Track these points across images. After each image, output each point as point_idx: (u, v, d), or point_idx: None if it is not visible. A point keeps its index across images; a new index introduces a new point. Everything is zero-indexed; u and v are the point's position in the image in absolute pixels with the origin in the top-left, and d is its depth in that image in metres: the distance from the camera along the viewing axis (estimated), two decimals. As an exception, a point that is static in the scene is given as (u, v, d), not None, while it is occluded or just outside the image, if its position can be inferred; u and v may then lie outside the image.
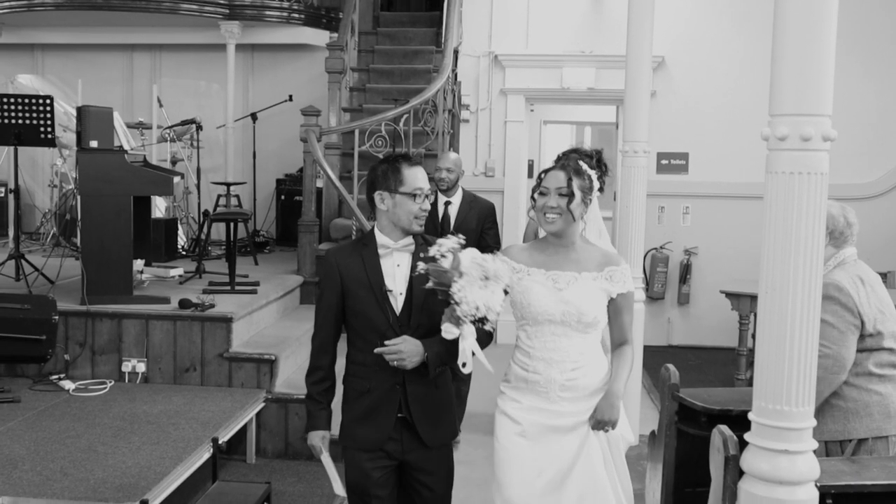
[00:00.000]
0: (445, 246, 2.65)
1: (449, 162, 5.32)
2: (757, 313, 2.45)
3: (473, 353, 2.69)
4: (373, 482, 2.79)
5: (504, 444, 2.84)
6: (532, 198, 2.89)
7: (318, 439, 2.83)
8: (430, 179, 3.37)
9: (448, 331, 2.62)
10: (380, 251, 2.80)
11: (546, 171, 2.87)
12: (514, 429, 2.83)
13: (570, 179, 2.79)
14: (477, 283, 2.60)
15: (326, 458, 2.77)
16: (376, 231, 2.85)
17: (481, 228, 5.22)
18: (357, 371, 2.83)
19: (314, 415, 2.85)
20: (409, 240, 2.83)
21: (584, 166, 2.84)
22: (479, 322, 2.63)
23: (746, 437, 2.45)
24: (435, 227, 5.10)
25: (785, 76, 2.31)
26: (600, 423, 2.74)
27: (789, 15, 2.29)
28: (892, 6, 8.11)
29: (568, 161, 2.84)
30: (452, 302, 2.59)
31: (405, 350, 2.68)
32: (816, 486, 2.39)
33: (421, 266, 2.65)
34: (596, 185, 2.86)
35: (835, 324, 2.96)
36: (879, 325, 3.03)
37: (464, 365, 2.67)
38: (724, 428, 2.58)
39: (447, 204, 5.31)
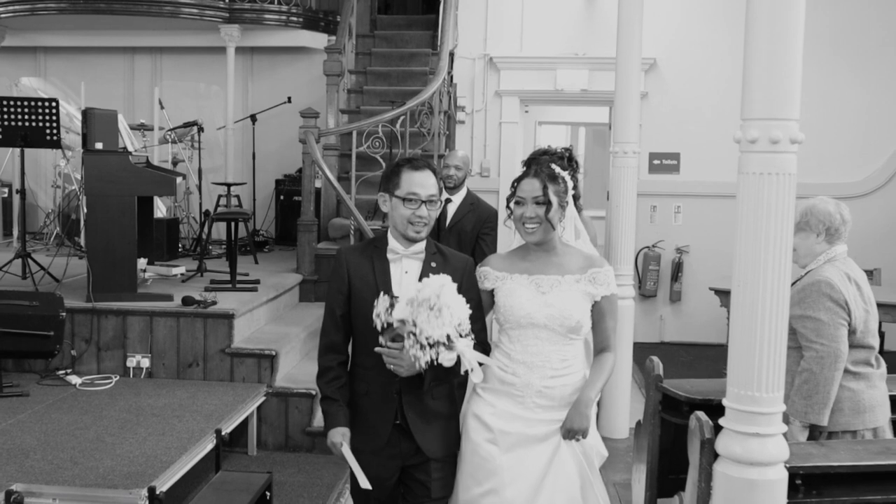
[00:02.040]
0: (380, 310, 2.59)
1: (457, 160, 5.29)
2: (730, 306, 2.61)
3: (480, 363, 2.65)
4: (374, 486, 2.74)
5: (475, 450, 2.77)
6: (508, 207, 2.81)
7: (339, 436, 2.74)
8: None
9: (445, 358, 2.55)
10: (389, 256, 2.75)
11: (519, 180, 2.80)
12: (485, 435, 2.76)
13: (545, 187, 2.71)
14: (431, 318, 2.51)
15: (348, 454, 2.71)
16: (389, 235, 2.79)
17: (478, 232, 5.15)
18: (357, 372, 2.81)
19: (331, 413, 2.78)
20: (420, 247, 2.76)
21: (557, 169, 2.77)
22: (462, 336, 2.57)
23: (721, 421, 2.61)
24: (432, 223, 5.16)
25: (755, 83, 2.47)
26: (570, 431, 2.70)
27: (759, 26, 2.45)
28: (881, 9, 8.27)
29: (541, 167, 2.77)
30: (427, 346, 2.52)
31: (404, 357, 2.58)
32: (786, 466, 2.55)
33: (381, 343, 2.60)
34: (570, 184, 2.79)
35: (827, 321, 3.07)
36: (863, 324, 3.16)
37: (472, 371, 2.61)
38: (701, 413, 2.74)
39: (447, 201, 5.25)
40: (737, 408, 2.55)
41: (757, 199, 2.47)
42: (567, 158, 2.84)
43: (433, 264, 2.73)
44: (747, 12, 2.49)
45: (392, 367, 2.62)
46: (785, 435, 2.55)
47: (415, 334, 2.52)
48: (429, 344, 2.52)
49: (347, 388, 2.81)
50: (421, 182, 2.70)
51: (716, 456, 2.63)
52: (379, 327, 2.58)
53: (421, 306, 2.53)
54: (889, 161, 8.33)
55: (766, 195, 2.46)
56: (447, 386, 2.78)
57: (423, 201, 2.69)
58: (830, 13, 8.18)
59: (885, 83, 8.29)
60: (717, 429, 2.66)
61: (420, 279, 2.66)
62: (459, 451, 2.84)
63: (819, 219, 3.21)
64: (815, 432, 3.08)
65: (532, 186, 2.73)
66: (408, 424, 2.72)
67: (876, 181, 8.35)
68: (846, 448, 2.77)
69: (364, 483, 2.67)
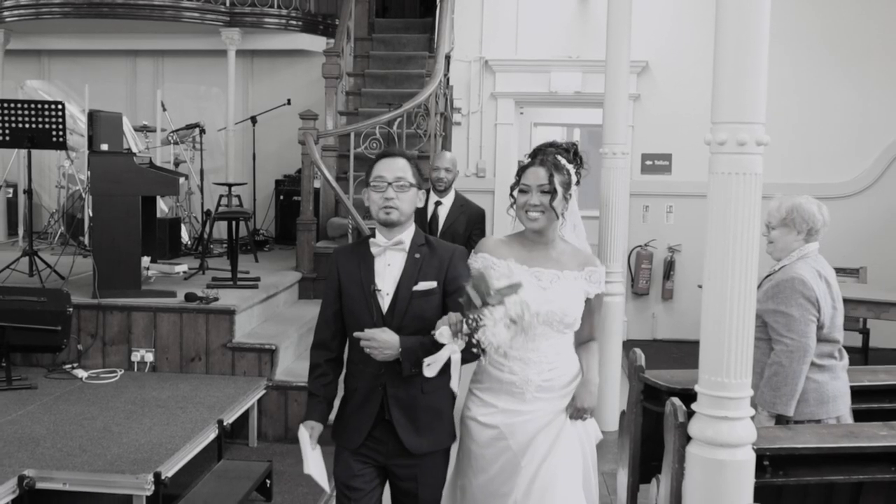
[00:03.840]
0: (502, 273, 2.59)
1: (447, 161, 5.38)
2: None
3: (450, 364, 2.61)
4: (351, 476, 2.76)
5: (482, 451, 2.79)
6: (511, 195, 2.83)
7: (305, 426, 2.78)
8: (425, 179, 3.30)
9: (443, 334, 2.54)
10: (373, 250, 2.77)
11: (525, 168, 2.81)
12: (490, 433, 2.77)
13: (550, 175, 2.73)
14: (506, 320, 2.50)
15: (304, 438, 2.76)
16: (376, 230, 2.83)
17: (469, 233, 5.26)
18: (350, 369, 2.84)
19: (309, 406, 2.84)
20: (404, 238, 2.76)
21: (563, 161, 2.77)
22: (476, 347, 2.54)
23: (693, 406, 2.77)
24: (423, 226, 5.28)
25: (724, 88, 2.63)
26: (579, 410, 2.77)
27: (726, 35, 2.61)
28: (872, 13, 8.42)
29: (546, 156, 2.77)
30: (472, 322, 2.48)
31: (379, 339, 2.63)
32: (754, 448, 2.71)
33: (474, 274, 2.58)
34: (574, 178, 2.80)
35: (798, 316, 3.21)
36: (830, 319, 3.31)
37: (428, 365, 2.60)
38: (675, 399, 2.90)
39: (437, 204, 5.37)
40: (708, 393, 2.71)
41: (725, 198, 2.63)
42: (573, 153, 2.83)
43: (417, 255, 2.75)
44: (716, 22, 2.65)
45: (368, 350, 2.63)
46: (753, 419, 2.72)
47: (491, 306, 2.47)
48: (468, 323, 2.49)
49: (334, 385, 2.85)
50: (388, 166, 2.73)
51: (689, 439, 2.79)
52: (473, 282, 2.51)
53: (517, 308, 2.49)
54: (877, 161, 8.50)
55: (734, 194, 2.61)
56: (440, 380, 2.69)
57: (389, 183, 2.70)
58: (821, 15, 8.35)
59: (873, 84, 8.44)
60: (692, 414, 2.82)
61: (403, 271, 2.71)
62: (460, 451, 2.85)
63: (804, 218, 3.36)
64: (781, 421, 3.23)
65: (537, 175, 2.76)
66: (392, 420, 2.71)
67: (864, 181, 8.51)
68: (811, 431, 2.93)
69: (307, 469, 2.70)
